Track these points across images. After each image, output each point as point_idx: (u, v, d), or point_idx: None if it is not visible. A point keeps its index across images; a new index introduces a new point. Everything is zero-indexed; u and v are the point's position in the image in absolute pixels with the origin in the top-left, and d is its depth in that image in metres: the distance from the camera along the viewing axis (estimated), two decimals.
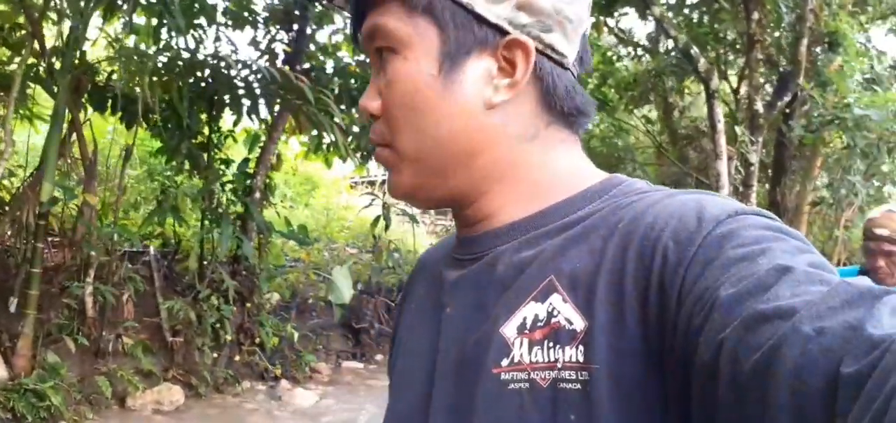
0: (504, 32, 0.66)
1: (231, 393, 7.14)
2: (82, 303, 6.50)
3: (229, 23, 7.39)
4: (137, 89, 6.44)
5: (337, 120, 5.97)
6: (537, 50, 0.67)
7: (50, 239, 6.88)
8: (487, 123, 0.67)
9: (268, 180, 7.90)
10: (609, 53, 11.51)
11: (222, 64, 6.83)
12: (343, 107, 7.52)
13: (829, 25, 7.91)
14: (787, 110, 8.11)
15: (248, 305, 7.66)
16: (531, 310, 0.62)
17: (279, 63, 7.59)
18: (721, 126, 7.51)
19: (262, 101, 6.86)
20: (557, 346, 0.59)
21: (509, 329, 0.63)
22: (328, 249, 10.53)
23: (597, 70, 11.46)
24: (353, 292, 7.96)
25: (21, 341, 5.80)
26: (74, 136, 6.61)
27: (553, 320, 0.60)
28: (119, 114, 6.95)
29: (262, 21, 7.65)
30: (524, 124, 0.69)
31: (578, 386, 0.57)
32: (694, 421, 0.51)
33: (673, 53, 9.54)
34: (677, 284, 0.54)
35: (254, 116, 7.09)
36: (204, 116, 7.43)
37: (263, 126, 7.79)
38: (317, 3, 7.77)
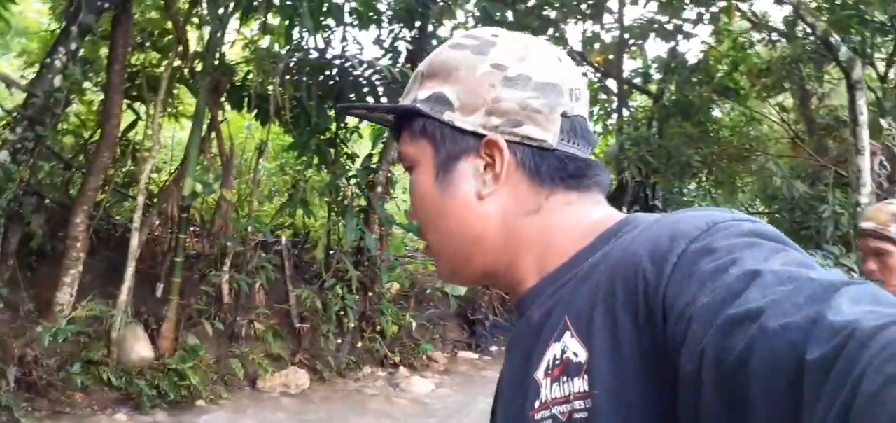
0: (482, 136, 0.77)
1: (353, 378, 7.44)
2: (219, 290, 6.98)
3: (355, 23, 7.65)
4: (270, 88, 6.80)
5: None
6: (513, 141, 0.77)
7: (191, 230, 7.43)
8: (483, 210, 0.78)
9: (390, 175, 8.13)
10: (741, 39, 10.92)
11: (348, 64, 7.07)
12: None
13: None
14: None
15: (370, 294, 7.94)
16: (552, 351, 0.69)
17: (402, 60, 7.78)
18: (863, 119, 6.97)
19: (384, 98, 7.04)
20: (569, 379, 0.64)
21: (539, 373, 0.69)
22: None
23: (728, 56, 10.91)
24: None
25: (165, 324, 6.31)
26: (213, 133, 7.09)
27: (565, 355, 0.66)
28: (254, 112, 7.38)
29: (386, 20, 7.85)
30: (523, 202, 0.78)
31: (586, 414, 0.61)
32: None
33: (811, 38, 8.91)
34: (659, 303, 0.58)
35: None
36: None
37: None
38: (438, 1, 7.90)
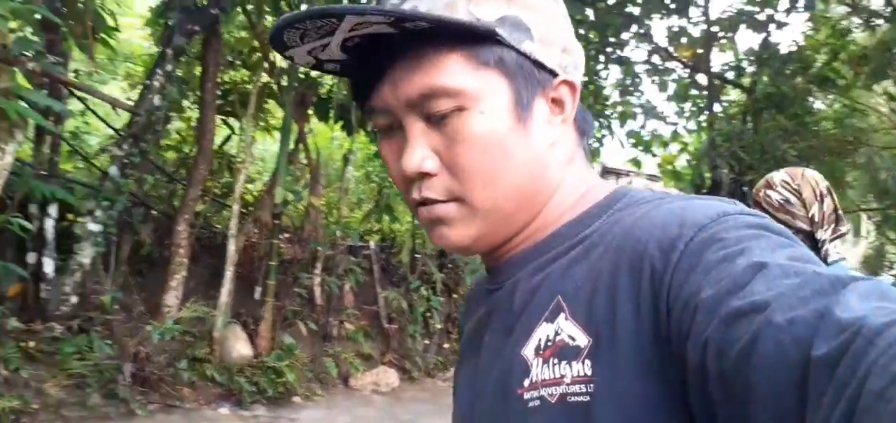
0: (555, 74, 0.71)
1: (441, 378, 7.62)
2: (311, 292, 7.35)
3: None
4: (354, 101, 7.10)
5: None
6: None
7: (284, 236, 7.84)
8: (551, 160, 0.72)
9: None
10: (839, 26, 10.42)
11: None
12: None
13: None
14: None
15: (454, 296, 8.11)
16: (544, 330, 0.65)
17: None
18: None
19: None
20: (563, 362, 0.61)
21: (528, 350, 0.65)
22: None
23: (826, 45, 10.44)
24: None
25: (262, 324, 6.70)
26: (301, 144, 7.48)
27: (558, 337, 0.63)
28: (339, 122, 7.72)
29: None
30: (568, 151, 0.74)
31: (586, 399, 0.58)
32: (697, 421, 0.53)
33: None
34: (664, 293, 0.56)
35: None
36: None
37: None
38: None
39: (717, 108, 11.59)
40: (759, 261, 0.52)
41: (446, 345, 8.06)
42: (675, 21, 10.91)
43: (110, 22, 6.09)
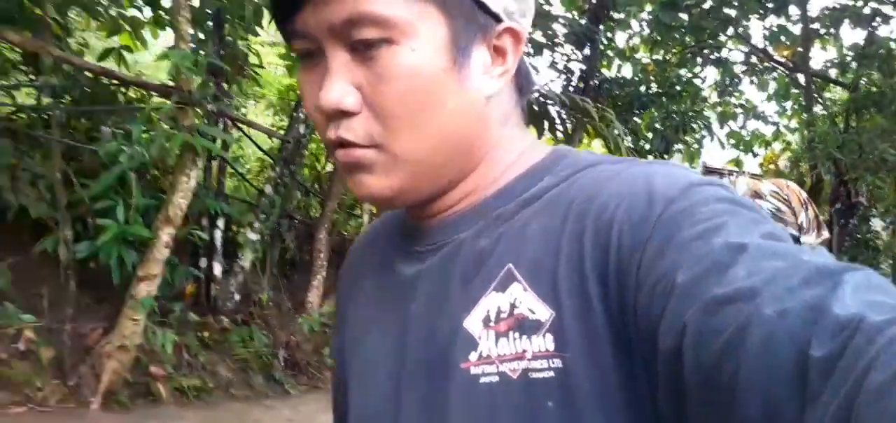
0: (498, 19, 0.64)
1: None
2: None
3: (531, 51, 8.55)
4: None
5: (616, 131, 6.80)
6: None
7: None
8: (485, 114, 0.66)
9: None
10: None
11: None
12: (637, 110, 8.21)
13: None
14: None
15: None
16: (494, 301, 0.61)
17: (575, 80, 8.56)
18: None
19: (559, 123, 7.83)
20: (524, 336, 0.58)
21: (473, 322, 0.61)
22: None
23: None
24: None
25: None
26: None
27: (516, 310, 0.59)
28: None
29: (561, 43, 8.66)
30: (505, 110, 0.68)
31: (552, 374, 0.56)
32: (661, 403, 0.51)
33: None
34: (634, 268, 0.54)
35: (557, 132, 8.16)
36: None
37: (563, 138, 8.82)
38: (612, 16, 8.55)
39: (818, 108, 11.52)
40: (738, 242, 0.49)
41: None
42: (773, 20, 10.96)
43: (256, 60, 7.21)
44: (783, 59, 11.56)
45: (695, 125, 10.23)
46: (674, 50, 10.64)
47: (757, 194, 2.12)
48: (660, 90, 9.74)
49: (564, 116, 7.35)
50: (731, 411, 0.44)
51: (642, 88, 8.47)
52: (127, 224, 5.01)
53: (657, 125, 9.87)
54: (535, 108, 7.95)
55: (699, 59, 10.96)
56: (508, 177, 0.69)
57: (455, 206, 0.70)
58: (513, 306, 0.60)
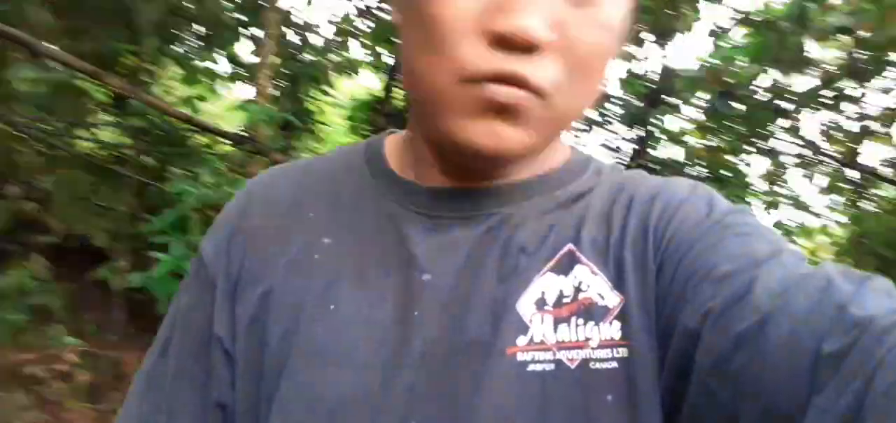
0: None
1: None
2: None
3: (585, 127, 8.64)
4: None
5: None
6: None
7: None
8: None
9: None
10: None
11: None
12: None
13: None
14: None
15: None
16: (551, 283, 0.57)
17: (626, 159, 8.60)
18: None
19: None
20: (589, 323, 0.55)
21: (524, 304, 0.57)
22: None
23: None
24: None
25: None
26: None
27: (582, 295, 0.56)
28: None
29: (611, 121, 8.74)
30: None
31: (615, 364, 0.54)
32: (662, 392, 0.53)
33: None
34: (675, 261, 0.55)
35: None
36: None
37: None
38: (666, 101, 8.59)
39: (869, 204, 11.38)
40: (774, 249, 0.51)
41: None
42: (828, 114, 10.89)
43: (322, 118, 7.51)
44: (834, 154, 11.46)
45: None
46: (726, 137, 10.65)
47: None
48: (709, 175, 9.74)
49: None
50: (734, 401, 0.45)
51: (692, 171, 8.48)
52: (181, 260, 5.20)
53: None
54: None
55: (748, 148, 10.95)
56: (547, 165, 0.66)
57: (501, 176, 0.64)
58: (578, 290, 0.57)
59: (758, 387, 0.44)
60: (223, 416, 0.64)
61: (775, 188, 11.82)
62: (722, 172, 10.03)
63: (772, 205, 11.79)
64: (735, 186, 10.56)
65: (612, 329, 0.55)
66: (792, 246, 0.54)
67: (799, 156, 11.54)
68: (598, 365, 0.55)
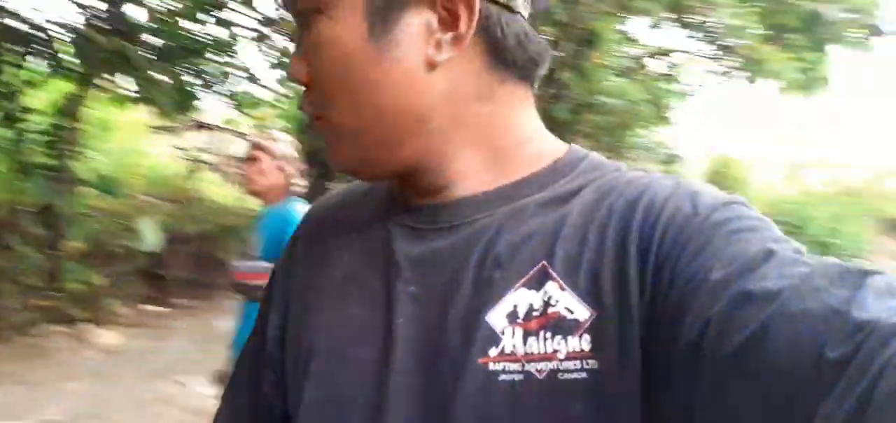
0: None
1: (37, 334, 7.28)
2: None
3: None
4: None
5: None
6: None
7: None
8: (432, 85, 0.60)
9: (79, 130, 7.95)
10: None
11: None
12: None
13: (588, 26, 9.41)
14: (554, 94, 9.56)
15: (56, 252, 7.76)
16: (523, 297, 0.58)
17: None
18: None
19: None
20: (557, 336, 0.56)
21: (496, 317, 0.58)
22: (129, 197, 10.56)
23: None
24: (157, 241, 8.37)
25: None
26: None
27: (550, 309, 0.57)
28: None
29: None
30: (475, 84, 0.62)
31: (584, 375, 0.55)
32: (664, 405, 0.52)
33: None
34: (670, 265, 0.54)
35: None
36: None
37: (74, 79, 7.79)
38: None
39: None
40: (770, 248, 0.51)
41: (44, 303, 7.66)
42: None
43: None
44: (290, 33, 12.18)
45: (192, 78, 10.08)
46: (185, 2, 10.30)
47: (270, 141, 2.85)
48: (185, 45, 9.31)
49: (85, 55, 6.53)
50: (737, 412, 0.45)
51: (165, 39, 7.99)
52: None
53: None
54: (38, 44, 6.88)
55: (205, 17, 10.84)
56: (524, 169, 0.66)
57: (458, 185, 0.66)
58: (547, 305, 0.58)
59: (761, 397, 0.44)
60: (270, 414, 0.77)
61: (227, 59, 12.15)
62: (179, 35, 9.75)
63: (225, 75, 12.10)
64: (191, 56, 10.46)
65: (582, 342, 0.56)
66: (785, 238, 0.54)
67: (254, 30, 12.01)
68: (566, 376, 0.56)
